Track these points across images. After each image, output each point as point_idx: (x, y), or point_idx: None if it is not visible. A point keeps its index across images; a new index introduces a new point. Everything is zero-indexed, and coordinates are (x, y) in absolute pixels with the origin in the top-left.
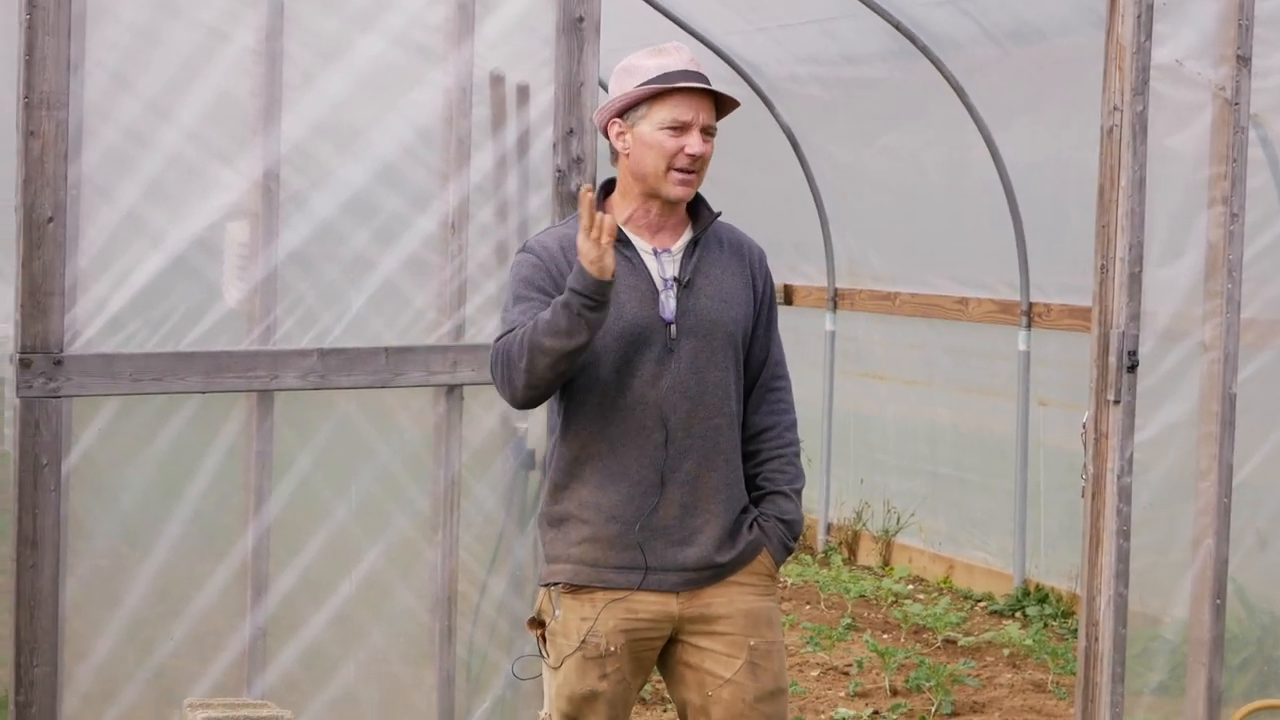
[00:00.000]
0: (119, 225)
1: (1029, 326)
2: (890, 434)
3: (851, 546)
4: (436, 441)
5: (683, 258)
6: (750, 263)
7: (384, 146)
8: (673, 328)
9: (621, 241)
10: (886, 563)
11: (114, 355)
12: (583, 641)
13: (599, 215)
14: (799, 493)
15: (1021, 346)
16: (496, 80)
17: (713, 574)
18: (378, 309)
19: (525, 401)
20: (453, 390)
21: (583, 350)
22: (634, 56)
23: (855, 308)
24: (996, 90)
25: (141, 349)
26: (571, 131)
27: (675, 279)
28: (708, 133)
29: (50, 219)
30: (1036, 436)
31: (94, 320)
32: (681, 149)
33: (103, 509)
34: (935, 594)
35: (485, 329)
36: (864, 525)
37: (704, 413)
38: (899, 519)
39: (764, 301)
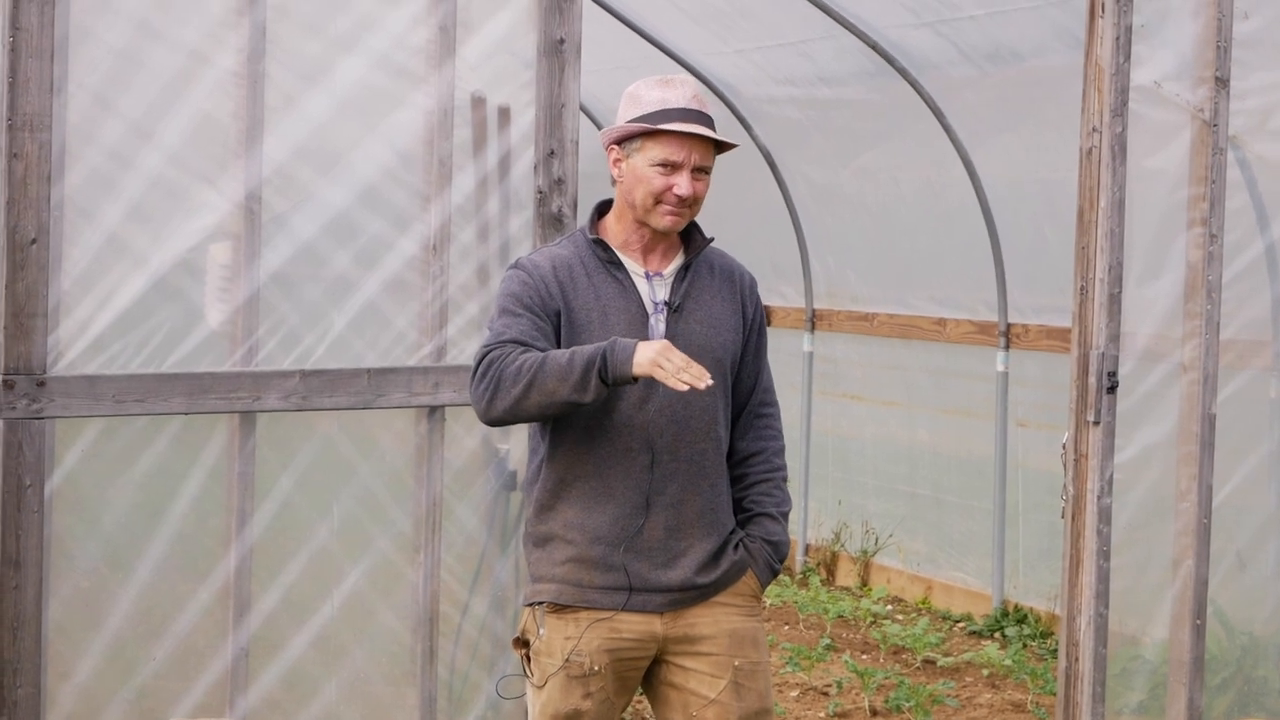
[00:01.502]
0: (102, 247)
1: (1007, 347)
2: (868, 455)
3: (830, 567)
4: (418, 462)
5: (674, 282)
6: (741, 289)
7: (365, 168)
8: None
9: (613, 263)
10: (865, 583)
11: (97, 377)
12: (566, 660)
13: (701, 373)
14: (786, 516)
15: (1000, 367)
16: (478, 102)
17: (696, 594)
18: (359, 330)
19: (494, 421)
20: (434, 411)
21: (575, 408)
22: (640, 84)
23: (833, 328)
24: (974, 111)
25: (124, 370)
26: (553, 153)
27: (666, 303)
28: (701, 171)
29: (33, 240)
30: (1015, 457)
31: (77, 342)
32: (670, 188)
33: (86, 530)
34: (914, 614)
35: (467, 350)
36: (842, 546)
37: (690, 437)
38: (877, 540)
39: (754, 328)
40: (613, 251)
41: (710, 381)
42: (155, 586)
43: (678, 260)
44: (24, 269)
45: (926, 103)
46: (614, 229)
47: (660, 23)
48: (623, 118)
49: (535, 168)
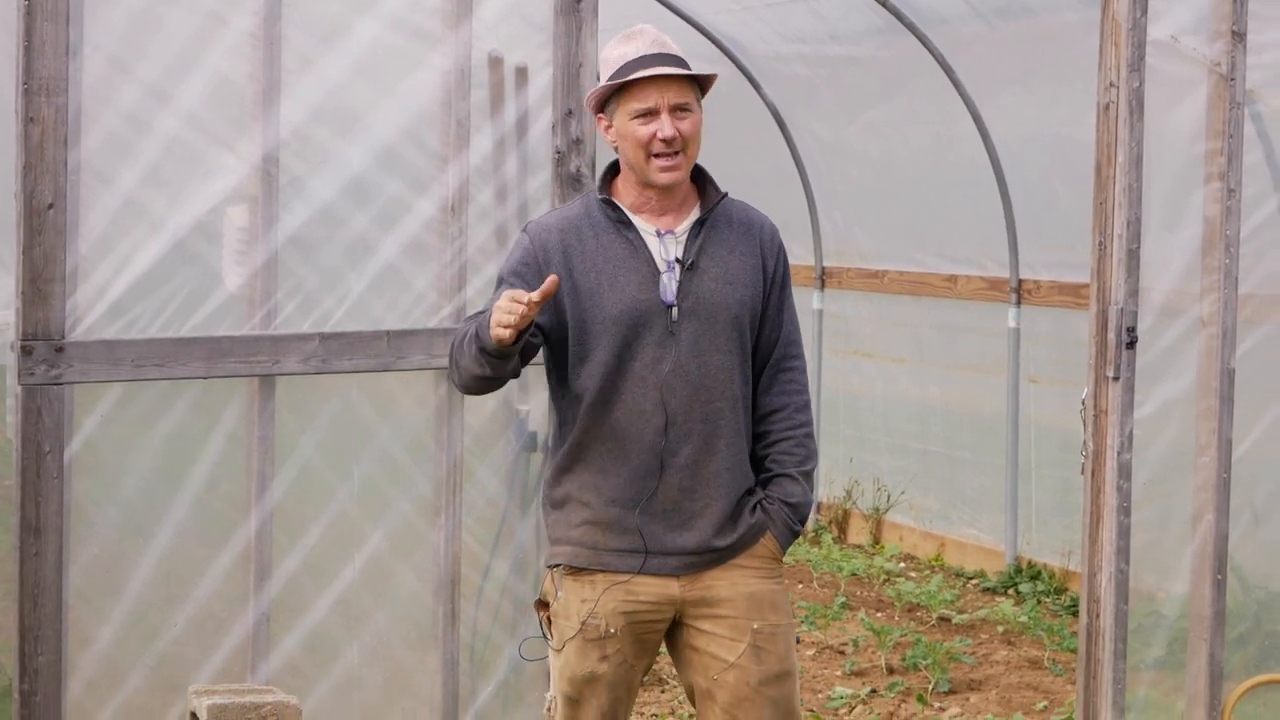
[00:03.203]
0: (119, 211)
1: (1019, 303)
2: (879, 412)
3: (841, 525)
4: (438, 424)
5: (687, 239)
6: (761, 241)
7: (383, 130)
8: (674, 310)
9: (623, 223)
10: (877, 541)
11: (115, 341)
12: (583, 624)
13: (527, 304)
14: (808, 475)
15: (1011, 323)
16: (495, 62)
17: (713, 557)
18: (378, 292)
19: (467, 393)
20: None
21: (496, 382)
22: (606, 47)
23: (843, 286)
24: (984, 65)
25: (143, 335)
26: (570, 113)
27: (678, 260)
28: (682, 110)
29: (50, 205)
30: (1027, 413)
31: (95, 306)
32: (654, 135)
33: (105, 496)
34: (927, 572)
35: None
36: (854, 504)
37: (705, 396)
38: (889, 497)
39: (775, 281)
40: (622, 211)
41: (531, 297)
42: (175, 552)
43: (692, 216)
44: (41, 234)
45: (936, 58)
46: (624, 192)
47: None
48: (599, 84)
49: (553, 127)
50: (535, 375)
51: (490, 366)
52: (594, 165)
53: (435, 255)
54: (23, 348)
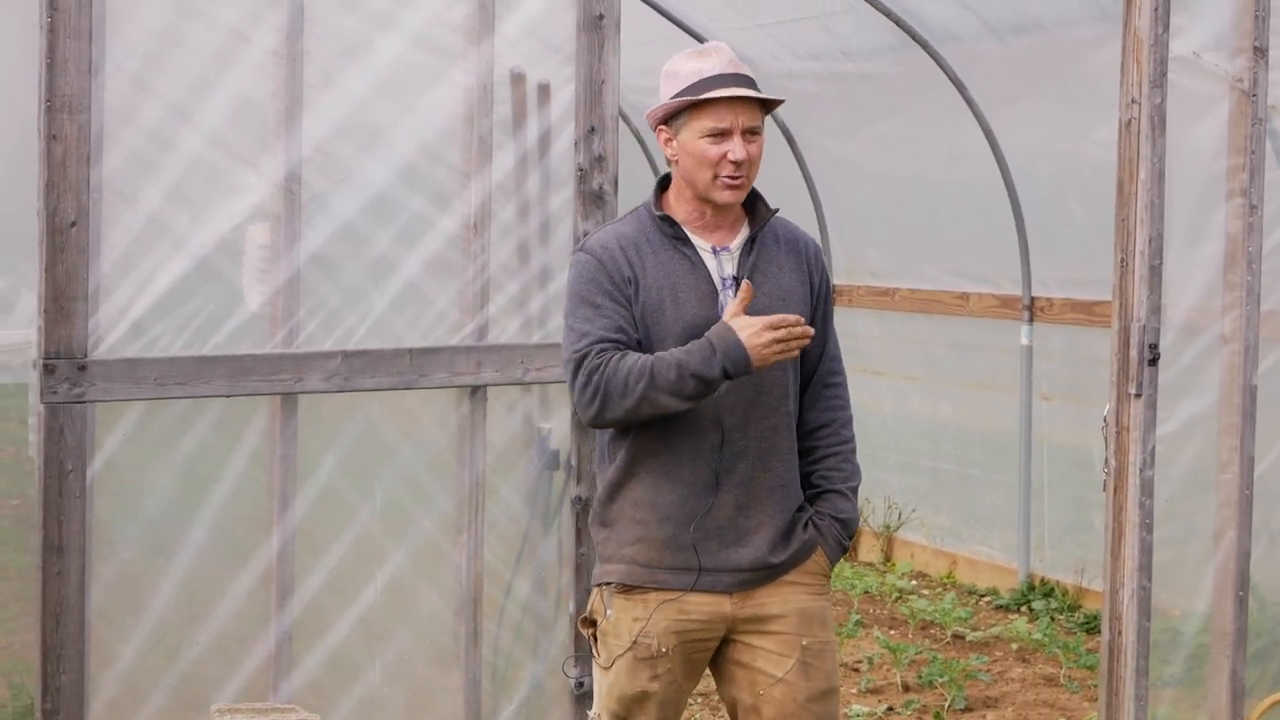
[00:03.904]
0: (141, 229)
1: (1031, 321)
2: (890, 429)
3: (853, 543)
4: (460, 443)
5: (740, 255)
6: (807, 258)
7: (405, 146)
8: None
9: (680, 239)
10: (888, 558)
11: (138, 360)
12: (634, 642)
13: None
14: (855, 490)
15: (1024, 341)
16: (517, 78)
17: (767, 574)
18: (400, 310)
19: (604, 427)
20: (476, 391)
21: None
22: (675, 59)
23: (853, 304)
24: (996, 82)
25: (165, 353)
26: (593, 129)
27: (734, 277)
28: (752, 133)
29: (73, 224)
30: (1040, 431)
31: (117, 325)
32: (724, 156)
33: (127, 515)
34: (939, 589)
35: (508, 329)
36: (865, 521)
37: (760, 413)
38: (900, 515)
39: (820, 297)
40: (679, 227)
41: (800, 320)
42: (197, 571)
43: (743, 233)
44: (64, 252)
45: (947, 74)
46: (676, 206)
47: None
48: (664, 96)
49: (575, 144)
50: (558, 393)
51: (702, 395)
52: (616, 182)
53: (458, 273)
54: (45, 366)
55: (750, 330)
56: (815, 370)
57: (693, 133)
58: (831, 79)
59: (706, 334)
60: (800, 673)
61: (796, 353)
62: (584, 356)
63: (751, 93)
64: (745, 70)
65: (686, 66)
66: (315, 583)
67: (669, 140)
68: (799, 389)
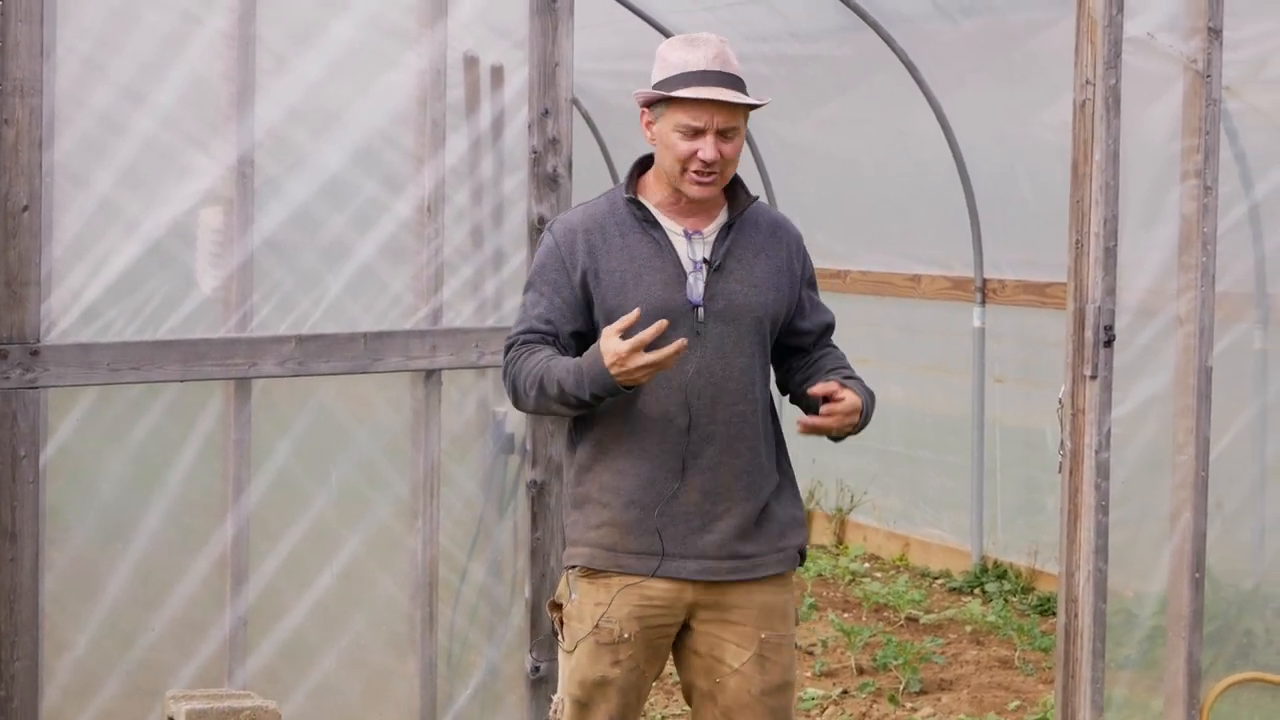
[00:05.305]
0: (94, 213)
1: (983, 303)
2: None
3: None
4: (415, 427)
5: (715, 240)
6: (789, 245)
7: (358, 130)
8: (700, 311)
9: (649, 222)
10: (840, 541)
11: (91, 345)
12: (596, 626)
13: (669, 352)
14: (872, 397)
15: (976, 323)
16: (470, 62)
17: (732, 567)
18: (355, 294)
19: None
20: (431, 375)
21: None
22: (669, 44)
23: None
24: (947, 63)
25: (119, 338)
26: (547, 112)
27: (705, 261)
28: (727, 134)
29: (25, 208)
30: (992, 413)
31: (70, 310)
32: (694, 153)
33: (81, 500)
34: (892, 572)
35: (463, 313)
36: (817, 504)
37: (729, 399)
38: (852, 497)
39: (805, 280)
40: (648, 210)
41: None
42: (152, 557)
43: (721, 218)
44: (16, 237)
45: (898, 55)
46: (653, 187)
47: None
48: (652, 80)
49: (529, 127)
50: None
51: (588, 408)
52: (570, 165)
53: (411, 257)
54: None
55: (613, 356)
56: (815, 340)
57: (668, 124)
58: (781, 61)
59: (583, 355)
60: (756, 665)
61: (673, 365)
62: (511, 345)
63: (730, 96)
64: (733, 68)
65: (675, 55)
66: (270, 568)
67: (650, 124)
68: (797, 361)
